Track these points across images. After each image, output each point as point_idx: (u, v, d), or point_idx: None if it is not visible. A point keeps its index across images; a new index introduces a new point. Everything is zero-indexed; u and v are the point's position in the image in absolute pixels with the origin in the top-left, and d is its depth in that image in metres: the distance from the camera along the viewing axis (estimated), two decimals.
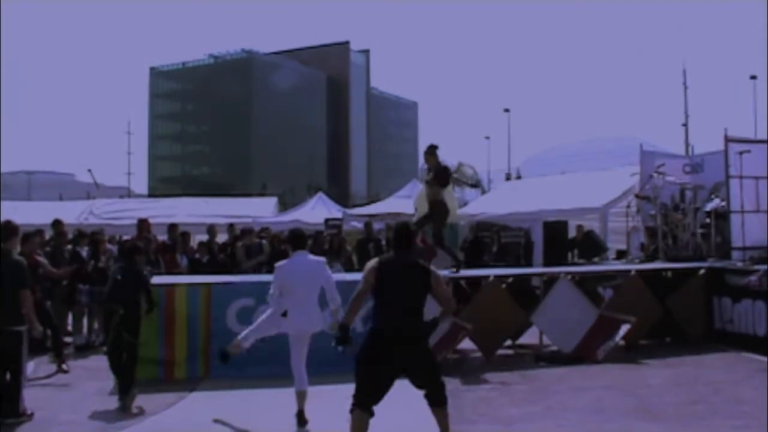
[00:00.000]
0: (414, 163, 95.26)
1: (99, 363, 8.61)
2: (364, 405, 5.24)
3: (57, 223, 12.01)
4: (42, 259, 9.79)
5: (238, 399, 7.65)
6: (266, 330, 7.19)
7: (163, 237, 13.29)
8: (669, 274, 11.16)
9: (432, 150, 10.13)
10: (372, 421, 5.25)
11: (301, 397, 6.62)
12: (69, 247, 11.56)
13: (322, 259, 7.11)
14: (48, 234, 12.12)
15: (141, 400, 7.47)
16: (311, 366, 6.84)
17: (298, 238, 6.98)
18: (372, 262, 5.55)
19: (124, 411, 7.10)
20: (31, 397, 7.15)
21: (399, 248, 5.58)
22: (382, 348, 5.27)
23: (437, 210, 9.83)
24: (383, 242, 15.39)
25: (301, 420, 6.56)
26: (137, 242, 9.63)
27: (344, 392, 6.50)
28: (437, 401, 5.42)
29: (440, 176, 9.87)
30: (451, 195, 21.64)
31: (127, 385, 7.62)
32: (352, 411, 5.26)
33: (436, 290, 5.49)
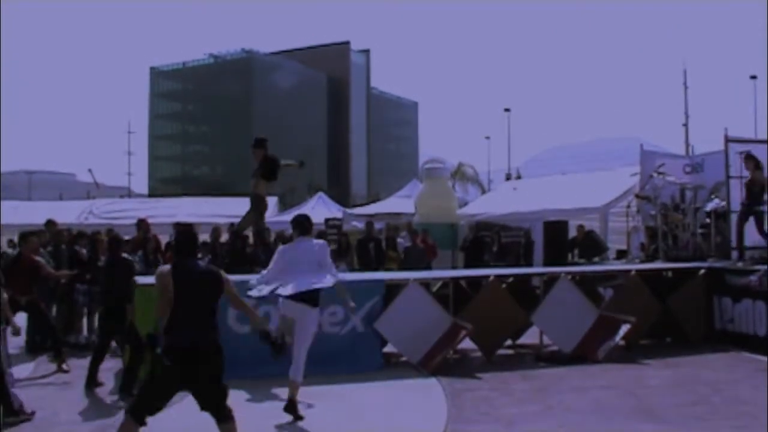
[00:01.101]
0: (414, 163, 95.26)
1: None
2: (140, 417, 4.92)
3: (51, 224, 12.00)
4: (40, 259, 9.79)
5: (237, 399, 7.64)
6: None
7: (163, 236, 13.31)
8: (669, 274, 11.17)
9: (260, 143, 9.96)
10: (369, 421, 5.22)
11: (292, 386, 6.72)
12: (64, 246, 11.55)
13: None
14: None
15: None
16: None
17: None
18: (165, 268, 5.14)
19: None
20: (31, 397, 7.14)
21: (186, 254, 5.23)
22: (178, 364, 4.86)
23: (257, 203, 9.72)
24: (383, 242, 15.40)
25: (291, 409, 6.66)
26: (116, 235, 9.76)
27: (339, 392, 6.53)
28: (223, 417, 5.05)
29: (266, 169, 9.66)
30: (451, 194, 21.77)
31: (129, 384, 7.65)
32: (126, 414, 4.99)
33: (233, 297, 5.32)
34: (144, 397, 5.02)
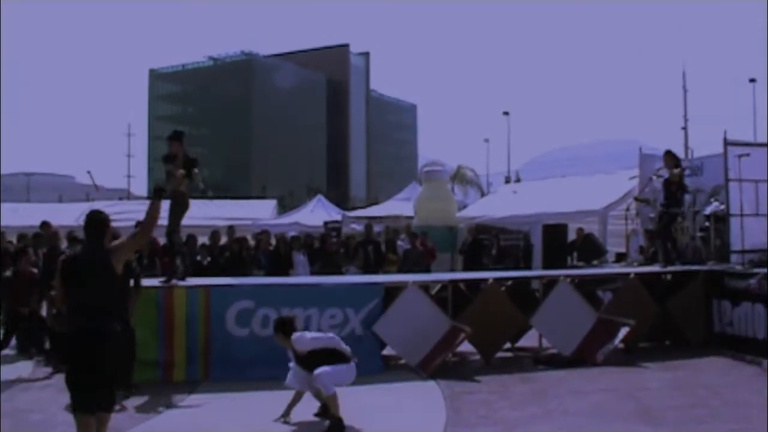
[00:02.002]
0: (413, 166, 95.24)
1: None
2: (83, 408, 5.00)
3: (45, 226, 11.97)
4: (36, 271, 9.95)
5: (236, 401, 7.64)
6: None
7: (163, 239, 13.29)
8: (668, 277, 11.16)
9: (177, 136, 9.26)
10: (368, 424, 5.19)
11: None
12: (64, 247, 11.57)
13: None
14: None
15: (140, 402, 7.46)
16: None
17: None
18: (60, 260, 5.34)
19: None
20: (29, 399, 7.13)
21: (90, 239, 5.27)
22: (74, 351, 4.98)
23: (180, 201, 9.04)
24: (382, 245, 15.40)
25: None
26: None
27: (338, 394, 6.51)
28: (104, 405, 5.11)
29: (189, 166, 8.94)
30: (451, 197, 21.78)
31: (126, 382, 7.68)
32: (73, 414, 5.04)
33: (120, 254, 5.15)
34: (72, 390, 5.01)
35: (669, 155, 11.59)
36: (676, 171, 11.31)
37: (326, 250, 14.27)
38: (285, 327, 6.85)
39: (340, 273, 13.39)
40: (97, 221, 5.27)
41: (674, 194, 11.38)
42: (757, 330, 9.67)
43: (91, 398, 4.98)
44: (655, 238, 12.97)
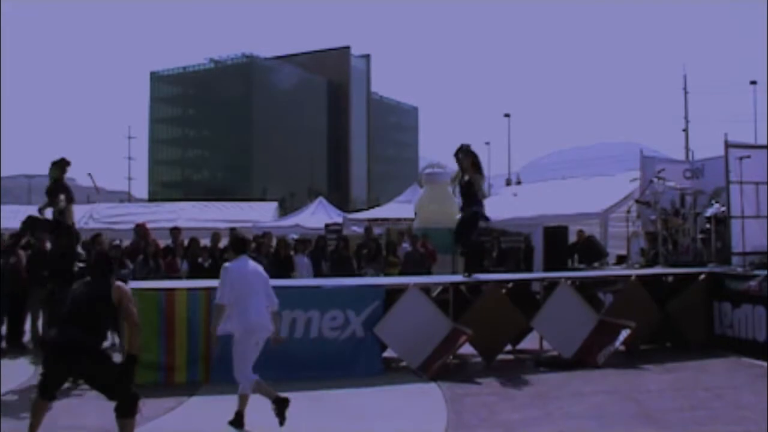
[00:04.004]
0: (414, 168, 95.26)
1: None
2: (43, 394, 5.69)
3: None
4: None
5: (235, 403, 7.63)
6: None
7: (165, 241, 13.33)
8: (669, 279, 11.16)
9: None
10: (369, 427, 5.22)
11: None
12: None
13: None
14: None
15: (141, 405, 7.46)
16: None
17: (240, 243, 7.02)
18: None
19: None
20: (29, 403, 7.08)
21: (92, 273, 5.98)
22: (49, 353, 5.69)
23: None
24: (383, 246, 15.40)
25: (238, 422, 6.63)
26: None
27: (338, 397, 6.51)
28: (120, 413, 5.60)
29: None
30: (452, 199, 21.75)
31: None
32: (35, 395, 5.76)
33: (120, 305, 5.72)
34: (41, 378, 5.73)
35: (468, 154, 10.31)
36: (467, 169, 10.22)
37: (341, 253, 14.26)
38: (238, 245, 6.96)
39: (353, 275, 13.34)
40: (100, 259, 6.11)
41: (474, 195, 10.29)
42: (757, 332, 9.69)
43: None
44: (651, 240, 12.98)
